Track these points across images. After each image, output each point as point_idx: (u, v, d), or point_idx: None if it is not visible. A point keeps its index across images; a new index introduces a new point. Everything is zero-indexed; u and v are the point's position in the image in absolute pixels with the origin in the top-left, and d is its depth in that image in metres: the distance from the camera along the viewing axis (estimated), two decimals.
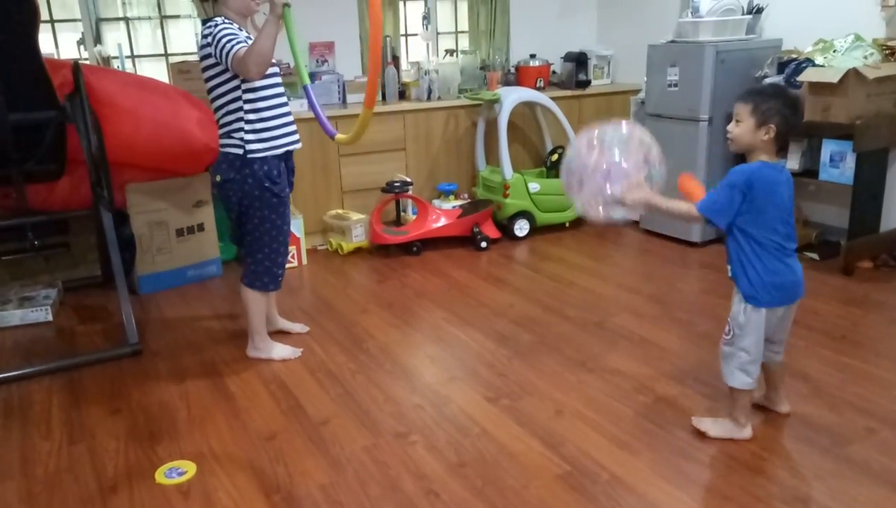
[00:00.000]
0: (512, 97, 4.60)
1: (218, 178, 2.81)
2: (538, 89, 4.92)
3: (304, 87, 2.90)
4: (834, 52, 3.68)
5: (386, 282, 3.95)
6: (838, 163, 3.70)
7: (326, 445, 2.39)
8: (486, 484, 2.15)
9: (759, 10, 4.35)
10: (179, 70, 4.14)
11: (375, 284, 3.95)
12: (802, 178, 3.84)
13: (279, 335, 3.21)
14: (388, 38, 4.83)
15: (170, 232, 3.88)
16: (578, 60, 5.15)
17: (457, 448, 2.34)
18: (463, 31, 5.37)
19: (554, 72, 5.27)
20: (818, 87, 3.61)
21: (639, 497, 2.07)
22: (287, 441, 2.42)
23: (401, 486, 2.16)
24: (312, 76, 4.53)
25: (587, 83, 5.17)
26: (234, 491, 2.17)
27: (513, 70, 5.14)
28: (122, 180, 3.63)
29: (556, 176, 4.80)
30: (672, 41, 4.38)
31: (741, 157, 2.25)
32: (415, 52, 5.23)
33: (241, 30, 2.69)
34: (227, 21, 2.67)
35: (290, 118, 2.85)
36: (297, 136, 2.89)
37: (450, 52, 5.25)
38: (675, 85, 4.25)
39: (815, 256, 3.97)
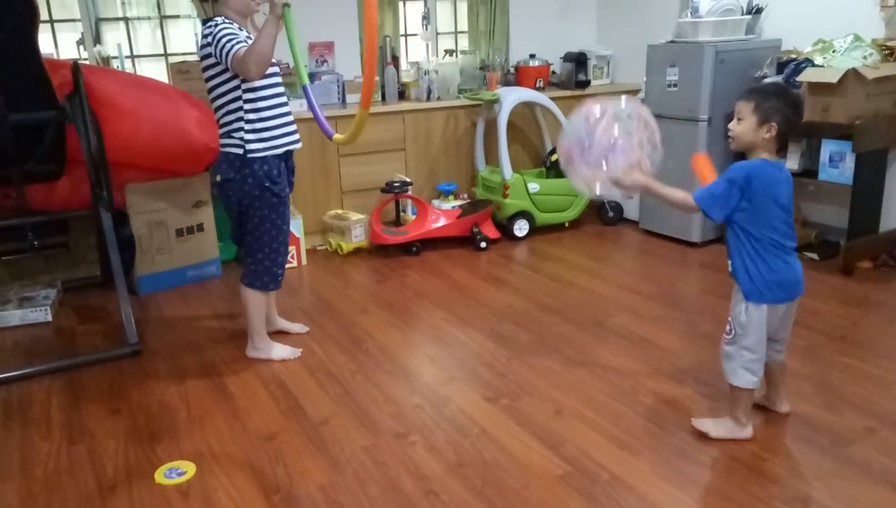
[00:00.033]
0: (511, 97, 4.60)
1: (218, 178, 2.82)
2: (538, 89, 4.92)
3: (304, 87, 2.90)
4: (833, 52, 3.68)
5: (385, 283, 3.95)
6: (838, 164, 3.70)
7: (326, 445, 2.39)
8: (485, 484, 2.15)
9: (759, 11, 4.35)
10: (179, 70, 4.13)
11: (375, 284, 3.95)
12: (802, 178, 3.84)
13: (279, 335, 3.21)
14: (387, 38, 4.83)
15: (169, 232, 3.88)
16: (578, 60, 5.15)
17: (456, 449, 2.34)
18: (462, 32, 5.37)
19: (553, 72, 5.27)
20: (817, 88, 3.61)
21: (639, 498, 2.07)
22: (286, 442, 2.42)
23: (400, 486, 2.16)
24: (312, 76, 4.53)
25: (587, 83, 5.17)
26: (233, 492, 2.17)
27: (512, 70, 5.14)
28: (122, 180, 3.63)
29: (556, 176, 4.81)
30: (672, 41, 4.38)
31: (741, 156, 2.25)
32: (414, 52, 5.23)
33: (241, 30, 2.69)
34: (227, 21, 2.67)
35: (290, 118, 2.85)
36: (297, 136, 2.89)
37: (449, 52, 5.25)
38: (675, 85, 4.25)
39: (814, 256, 3.97)
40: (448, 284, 3.87)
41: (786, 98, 2.17)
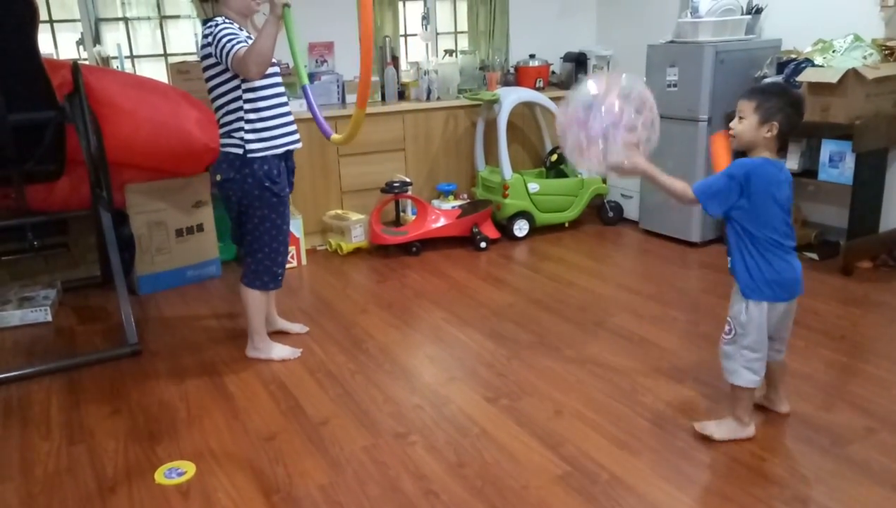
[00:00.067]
0: (511, 97, 4.60)
1: (218, 178, 2.82)
2: (538, 89, 4.92)
3: (303, 87, 2.90)
4: (833, 52, 3.68)
5: (385, 283, 3.95)
6: (837, 164, 3.70)
7: (326, 445, 2.39)
8: (485, 485, 2.15)
9: (759, 11, 4.35)
10: (179, 70, 4.13)
11: (375, 284, 3.95)
12: (802, 178, 3.84)
13: (278, 335, 3.21)
14: (387, 39, 4.82)
15: (169, 232, 3.87)
16: (578, 60, 5.16)
17: (456, 449, 2.34)
18: (462, 32, 5.37)
19: (553, 72, 5.27)
20: (817, 88, 3.61)
21: (639, 498, 2.07)
22: (286, 442, 2.42)
23: (400, 486, 2.16)
24: (312, 76, 4.53)
25: None
26: (233, 492, 2.17)
27: (512, 70, 5.14)
28: (122, 180, 3.63)
29: (556, 176, 4.81)
30: (671, 41, 4.38)
31: (742, 155, 2.25)
32: (414, 52, 5.23)
33: (241, 30, 2.69)
34: (227, 21, 2.67)
35: (291, 118, 2.85)
36: (297, 136, 2.89)
37: (449, 52, 5.25)
38: (675, 85, 4.25)
39: (814, 256, 3.97)
40: (448, 284, 3.87)
41: (787, 97, 2.17)
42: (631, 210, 4.83)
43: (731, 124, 2.22)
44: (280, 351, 3.06)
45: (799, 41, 4.03)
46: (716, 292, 3.55)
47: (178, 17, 4.63)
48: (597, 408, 2.56)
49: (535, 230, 4.64)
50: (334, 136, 2.82)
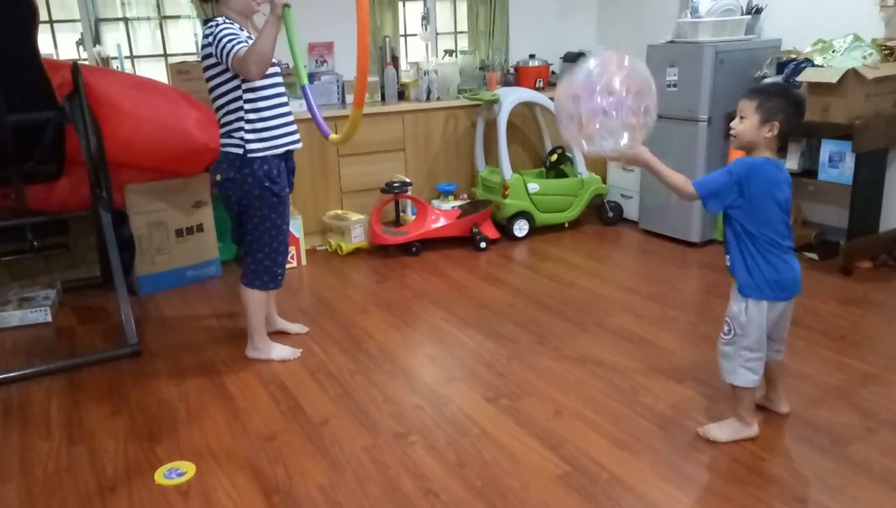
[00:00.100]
0: (511, 97, 4.60)
1: (218, 177, 2.82)
2: (537, 89, 4.92)
3: (302, 88, 2.90)
4: (833, 52, 3.69)
5: (385, 283, 3.95)
6: (837, 164, 3.70)
7: (326, 445, 2.39)
8: (485, 485, 2.15)
9: (759, 11, 4.35)
10: (179, 70, 4.13)
11: (375, 285, 3.95)
12: (801, 179, 3.85)
13: (278, 335, 3.21)
14: (387, 39, 4.83)
15: (169, 232, 3.87)
16: (578, 61, 5.14)
17: (456, 449, 2.34)
18: (462, 32, 5.37)
19: (553, 72, 5.27)
20: (817, 88, 3.61)
21: (639, 498, 2.07)
22: (286, 442, 2.42)
23: (400, 486, 2.16)
24: (312, 76, 4.53)
25: None
26: (233, 492, 2.17)
27: (512, 70, 5.14)
28: (122, 181, 3.63)
29: (556, 176, 4.81)
30: (671, 41, 4.39)
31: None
32: (414, 52, 5.23)
33: (242, 30, 2.69)
34: (228, 21, 2.67)
35: (291, 118, 2.85)
36: (297, 136, 2.89)
37: (449, 52, 5.25)
38: (675, 85, 4.25)
39: (814, 256, 3.97)
40: (448, 284, 3.87)
41: (788, 97, 2.17)
42: (631, 210, 4.83)
43: (732, 124, 2.22)
44: (280, 351, 3.06)
45: (799, 41, 4.03)
46: (715, 292, 3.55)
47: (178, 17, 4.63)
48: (597, 408, 2.56)
49: (534, 230, 4.64)
50: (332, 136, 2.83)
